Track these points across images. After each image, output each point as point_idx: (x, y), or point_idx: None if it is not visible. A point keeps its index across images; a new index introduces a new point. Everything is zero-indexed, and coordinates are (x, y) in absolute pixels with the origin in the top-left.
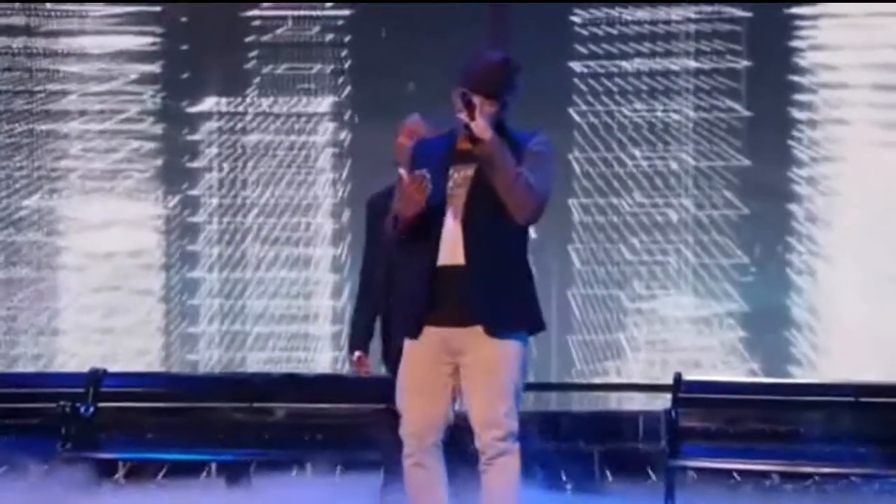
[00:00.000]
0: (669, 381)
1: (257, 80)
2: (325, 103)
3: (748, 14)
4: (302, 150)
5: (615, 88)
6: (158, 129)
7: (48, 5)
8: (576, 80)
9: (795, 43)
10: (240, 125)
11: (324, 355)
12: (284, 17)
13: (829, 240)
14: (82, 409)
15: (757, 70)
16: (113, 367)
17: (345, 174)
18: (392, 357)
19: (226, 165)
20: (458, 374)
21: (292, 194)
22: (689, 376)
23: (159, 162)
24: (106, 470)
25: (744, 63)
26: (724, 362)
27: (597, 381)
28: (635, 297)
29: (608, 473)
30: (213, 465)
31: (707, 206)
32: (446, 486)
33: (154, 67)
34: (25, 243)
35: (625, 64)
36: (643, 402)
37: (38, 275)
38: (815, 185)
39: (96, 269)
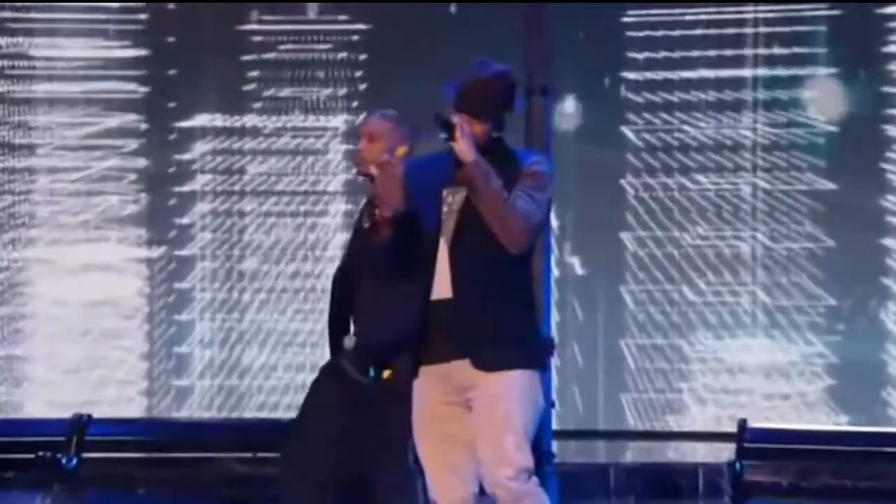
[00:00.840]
0: (733, 429)
1: (258, 102)
2: (336, 124)
3: (834, 13)
4: (309, 180)
5: (675, 101)
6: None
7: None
8: (629, 93)
9: (890, 48)
10: (236, 157)
11: None
12: (286, 32)
13: None
14: (65, 461)
15: (844, 79)
16: (98, 413)
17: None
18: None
19: (219, 202)
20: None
21: (297, 236)
22: (756, 424)
23: (143, 196)
24: None
25: (827, 70)
26: (804, 421)
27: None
28: (700, 345)
29: None
30: None
31: (784, 239)
32: None
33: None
34: None
35: (687, 73)
36: (704, 453)
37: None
38: None
39: (72, 313)
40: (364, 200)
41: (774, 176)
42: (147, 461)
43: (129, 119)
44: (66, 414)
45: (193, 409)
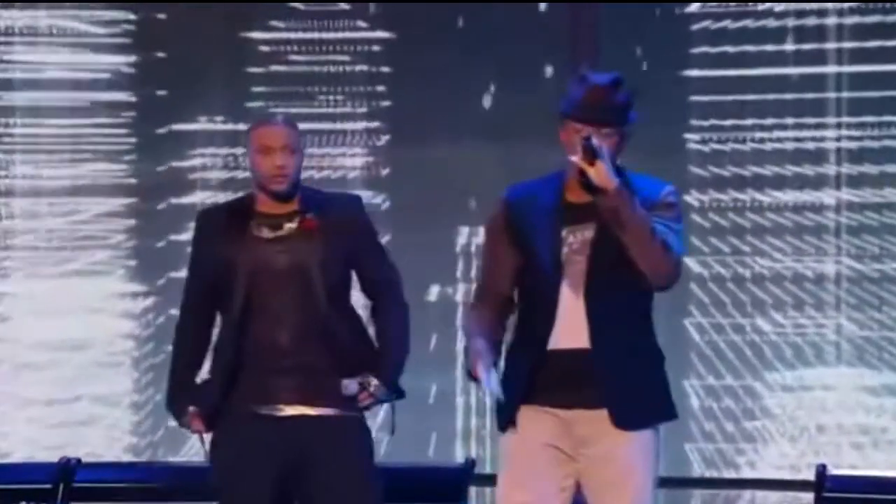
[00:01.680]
0: (811, 476)
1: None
2: (355, 161)
3: None
4: None
5: (746, 102)
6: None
7: None
8: (692, 95)
9: None
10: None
11: None
12: (297, 41)
13: None
14: None
15: None
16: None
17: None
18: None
19: None
20: (574, 470)
21: None
22: (837, 471)
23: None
24: None
25: None
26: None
27: (713, 475)
28: (774, 382)
29: None
30: None
31: (875, 260)
32: None
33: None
34: None
35: (760, 70)
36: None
37: None
38: None
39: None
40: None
41: (863, 188)
42: None
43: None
44: (52, 457)
45: (190, 454)
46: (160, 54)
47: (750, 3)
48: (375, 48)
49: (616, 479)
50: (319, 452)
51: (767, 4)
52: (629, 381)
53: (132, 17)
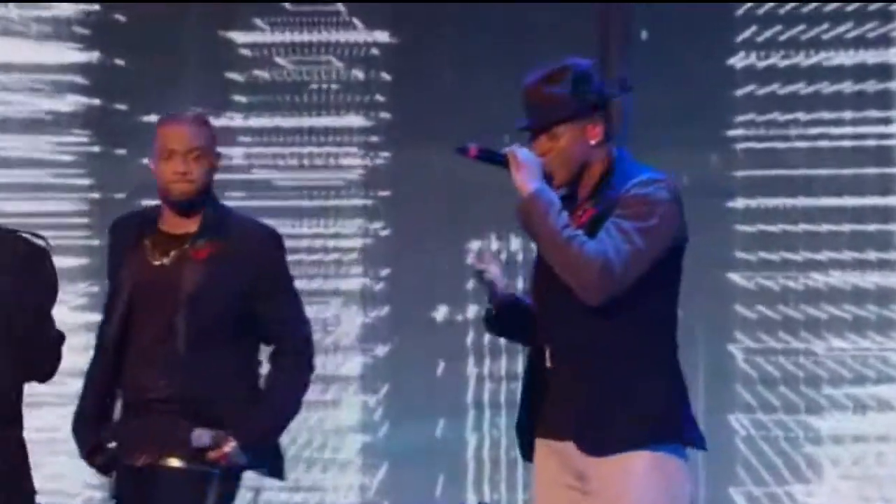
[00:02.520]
0: None
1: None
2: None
3: None
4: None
5: (802, 94)
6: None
7: None
8: (737, 89)
9: None
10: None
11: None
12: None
13: None
14: None
15: None
16: None
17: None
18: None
19: None
20: None
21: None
22: None
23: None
24: None
25: None
26: None
27: None
28: (833, 418)
29: None
30: None
31: None
32: None
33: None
34: None
35: (815, 58)
36: None
37: None
38: None
39: None
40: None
41: None
42: None
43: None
44: None
45: None
46: (118, 61)
47: None
48: (374, 52)
49: None
50: None
51: None
52: (599, 395)
53: (94, 8)
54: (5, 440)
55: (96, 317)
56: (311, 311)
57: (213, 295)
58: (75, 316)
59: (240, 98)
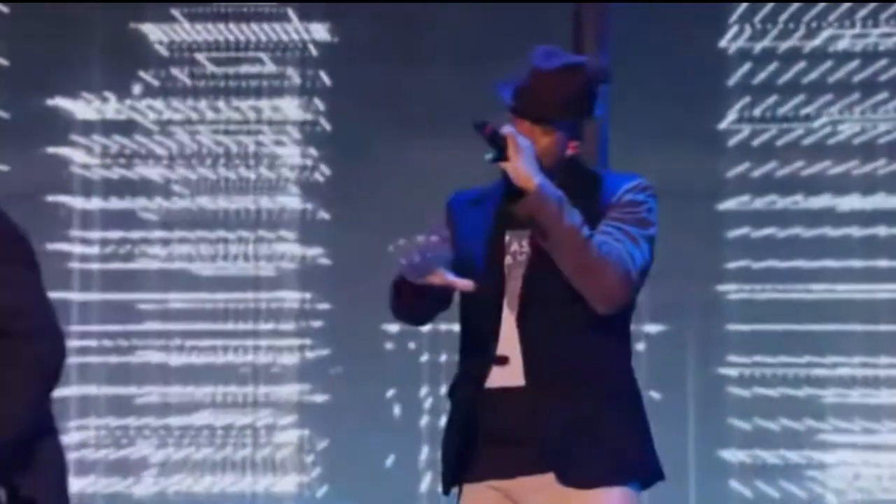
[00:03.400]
0: None
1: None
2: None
3: None
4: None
5: (805, 82)
6: None
7: None
8: (729, 79)
9: None
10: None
11: None
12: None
13: None
14: None
15: None
16: None
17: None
18: None
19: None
20: None
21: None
22: None
23: None
24: None
25: None
26: None
27: None
28: (835, 454)
29: None
30: None
31: None
32: None
33: None
34: None
35: (817, 42)
36: None
37: None
38: None
39: None
40: None
41: None
42: None
43: None
44: None
45: None
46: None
47: None
48: (312, 51)
49: None
50: None
51: None
52: (577, 425)
53: None
54: None
55: None
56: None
57: None
58: None
59: (153, 102)
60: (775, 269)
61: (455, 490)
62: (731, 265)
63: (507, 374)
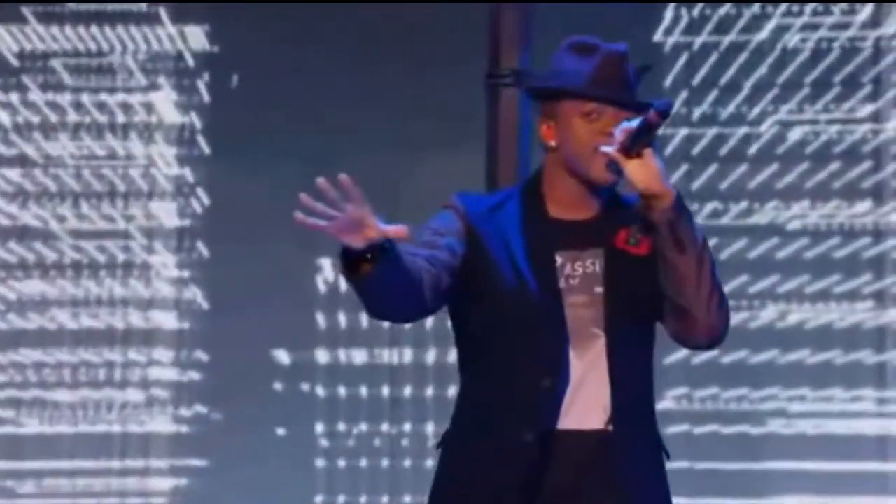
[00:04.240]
0: None
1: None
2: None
3: None
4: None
5: (742, 80)
6: None
7: None
8: (669, 68)
9: None
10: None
11: None
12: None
13: None
14: None
15: None
16: None
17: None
18: None
19: None
20: None
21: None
22: None
23: None
24: None
25: None
26: None
27: None
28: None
29: None
30: None
31: None
32: None
33: None
34: None
35: (746, 36)
36: None
37: None
38: None
39: None
40: None
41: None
42: None
43: None
44: None
45: None
46: None
47: None
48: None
49: None
50: None
51: None
52: (647, 460)
53: None
54: None
55: None
56: None
57: None
58: None
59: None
60: None
61: None
62: None
63: (586, 415)
